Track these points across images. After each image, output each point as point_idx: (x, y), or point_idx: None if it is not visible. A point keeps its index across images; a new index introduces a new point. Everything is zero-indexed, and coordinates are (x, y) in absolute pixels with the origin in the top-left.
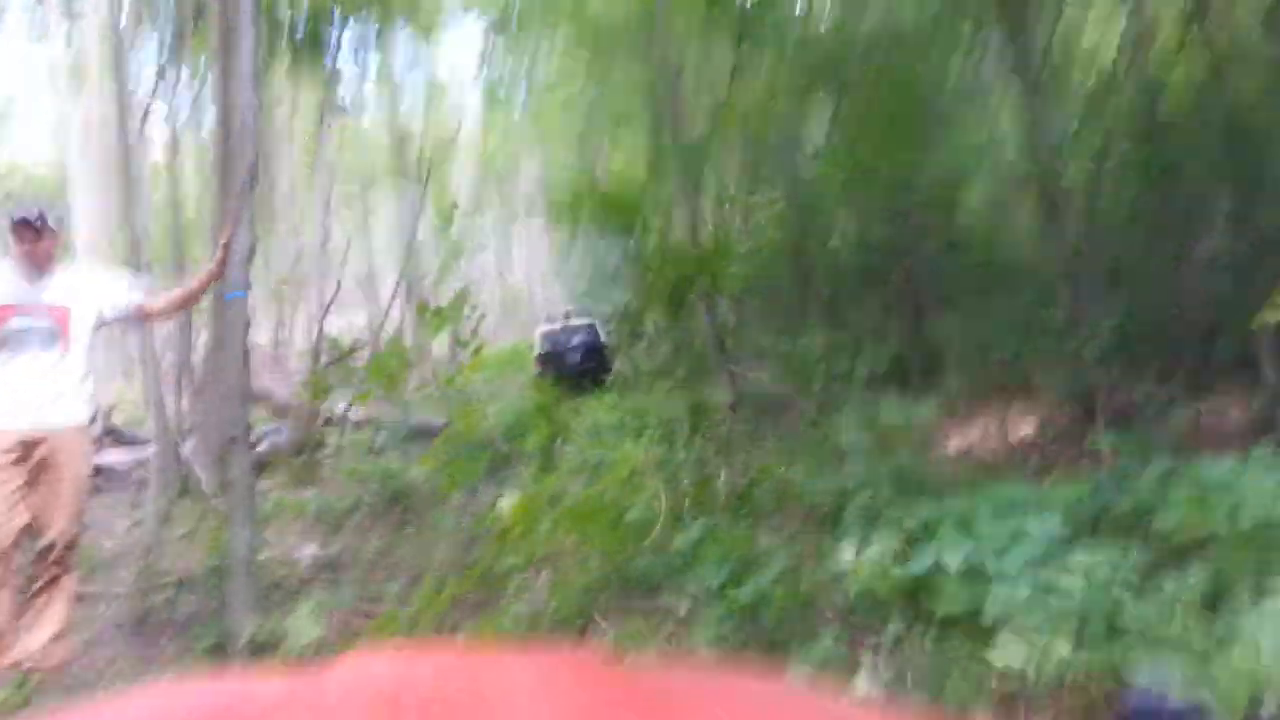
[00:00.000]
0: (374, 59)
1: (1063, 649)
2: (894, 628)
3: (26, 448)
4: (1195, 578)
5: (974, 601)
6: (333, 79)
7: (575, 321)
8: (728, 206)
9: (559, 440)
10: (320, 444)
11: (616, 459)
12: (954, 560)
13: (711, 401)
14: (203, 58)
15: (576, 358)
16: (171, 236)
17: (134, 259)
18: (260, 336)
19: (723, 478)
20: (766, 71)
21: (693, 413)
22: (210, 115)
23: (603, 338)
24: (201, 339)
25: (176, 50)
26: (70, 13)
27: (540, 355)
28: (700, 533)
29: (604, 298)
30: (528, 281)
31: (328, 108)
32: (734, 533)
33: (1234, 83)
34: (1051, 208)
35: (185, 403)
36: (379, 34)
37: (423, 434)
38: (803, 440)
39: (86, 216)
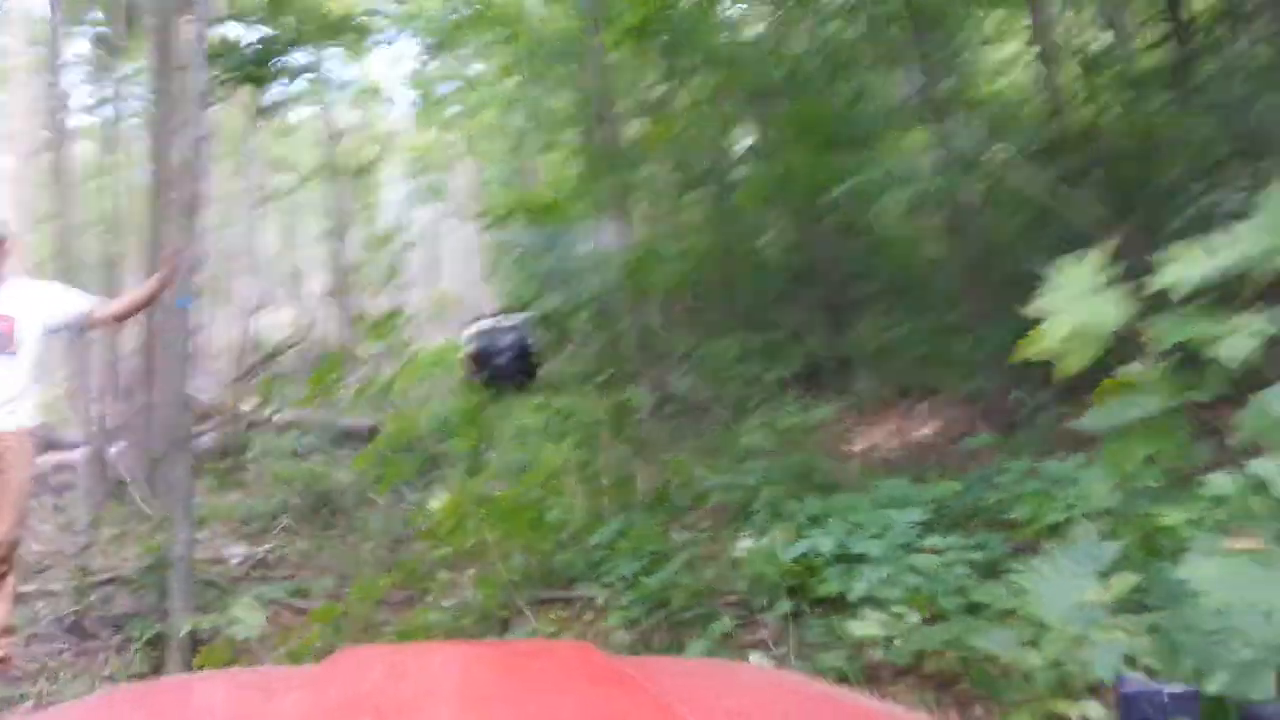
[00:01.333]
0: (306, 68)
1: (914, 620)
2: (782, 608)
3: None
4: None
5: (846, 582)
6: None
7: (505, 322)
8: (658, 210)
9: (486, 444)
10: (245, 447)
11: (540, 460)
12: (827, 546)
13: (633, 403)
14: (138, 60)
15: (506, 359)
16: (107, 233)
17: (65, 256)
18: None
19: (641, 477)
20: (696, 82)
21: (614, 415)
22: (135, 106)
23: (531, 339)
24: (127, 344)
25: (107, 49)
26: None
27: (470, 355)
28: (617, 528)
29: (533, 299)
30: (458, 280)
31: (257, 106)
32: (649, 528)
33: (1132, 101)
34: (955, 219)
35: (111, 407)
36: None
37: (349, 436)
38: (718, 440)
39: (12, 212)
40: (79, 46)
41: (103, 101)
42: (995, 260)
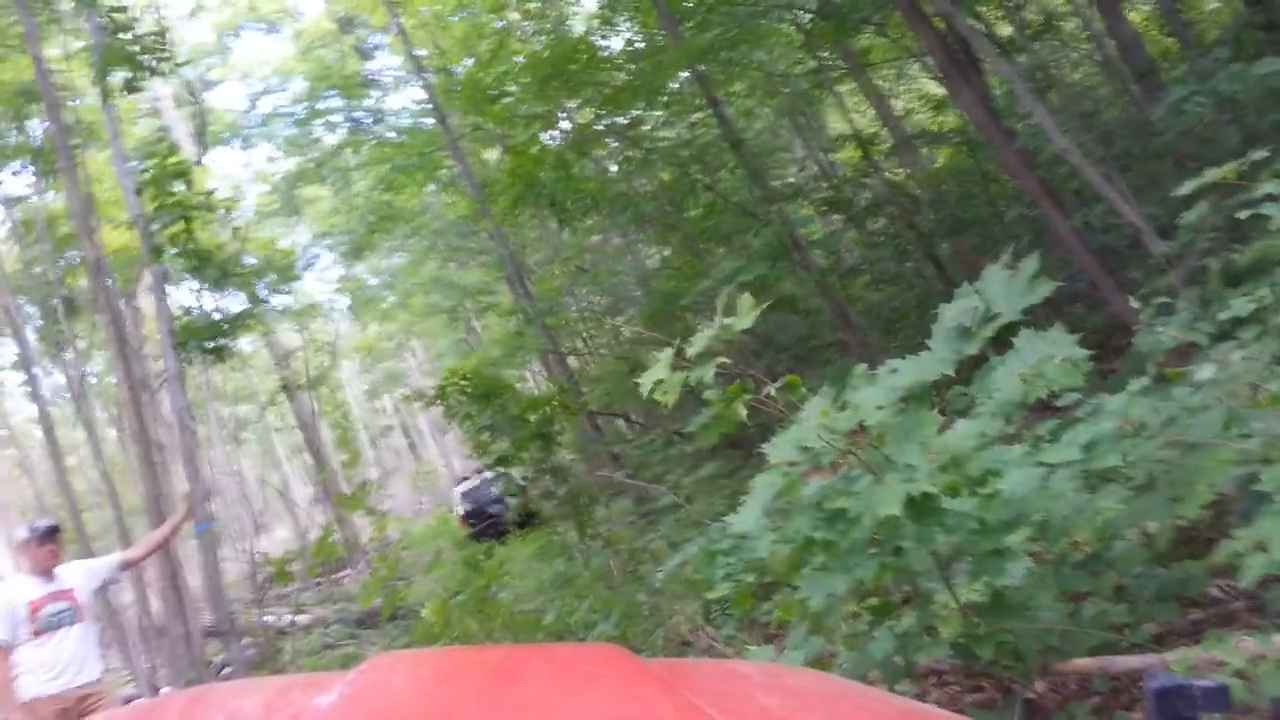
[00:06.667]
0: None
1: (748, 580)
2: (694, 610)
3: (78, 701)
4: None
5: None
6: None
7: (489, 476)
8: (584, 339)
9: (492, 587)
10: (278, 653)
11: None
12: (696, 555)
13: (595, 512)
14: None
15: (499, 508)
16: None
17: (77, 528)
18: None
19: (613, 565)
20: (584, 226)
21: (579, 527)
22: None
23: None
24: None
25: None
26: None
27: (464, 514)
28: (597, 601)
29: (485, 450)
30: (443, 447)
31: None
32: (622, 596)
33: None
34: (821, 284)
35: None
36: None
37: (369, 617)
38: (668, 520)
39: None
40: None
41: (66, 389)
42: (875, 322)
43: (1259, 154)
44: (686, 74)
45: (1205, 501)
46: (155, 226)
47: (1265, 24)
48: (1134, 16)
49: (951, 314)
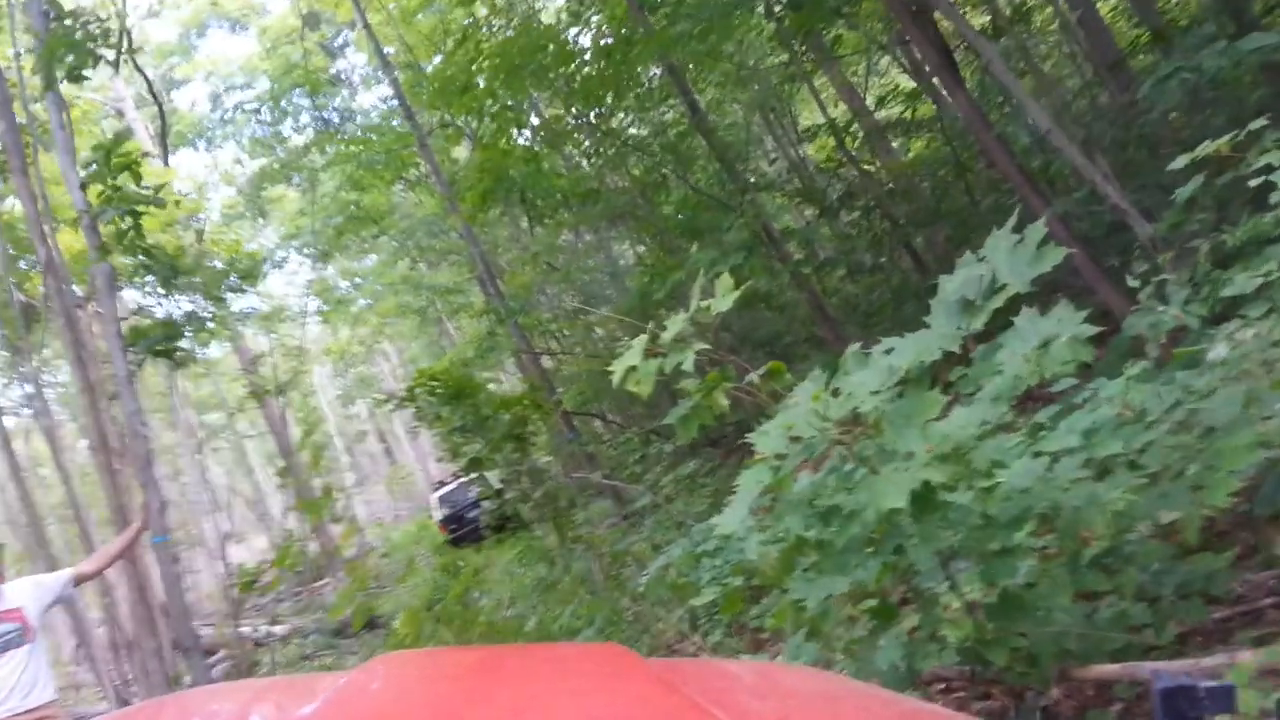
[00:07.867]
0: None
1: (735, 583)
2: (680, 615)
3: None
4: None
5: (697, 576)
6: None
7: (465, 481)
8: (558, 339)
9: (471, 593)
10: (255, 665)
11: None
12: (680, 558)
13: (574, 515)
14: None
15: (476, 512)
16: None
17: (39, 542)
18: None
19: (594, 569)
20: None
21: (559, 530)
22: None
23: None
24: (121, 603)
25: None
26: None
27: (443, 519)
28: (579, 607)
29: (458, 451)
30: (416, 454)
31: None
32: (604, 601)
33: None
34: (795, 276)
35: (122, 661)
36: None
37: (346, 629)
38: (649, 520)
39: None
40: None
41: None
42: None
43: (1257, 123)
44: (657, 69)
45: (1233, 489)
46: (102, 222)
47: (1233, 10)
48: (1102, 7)
49: (953, 286)
